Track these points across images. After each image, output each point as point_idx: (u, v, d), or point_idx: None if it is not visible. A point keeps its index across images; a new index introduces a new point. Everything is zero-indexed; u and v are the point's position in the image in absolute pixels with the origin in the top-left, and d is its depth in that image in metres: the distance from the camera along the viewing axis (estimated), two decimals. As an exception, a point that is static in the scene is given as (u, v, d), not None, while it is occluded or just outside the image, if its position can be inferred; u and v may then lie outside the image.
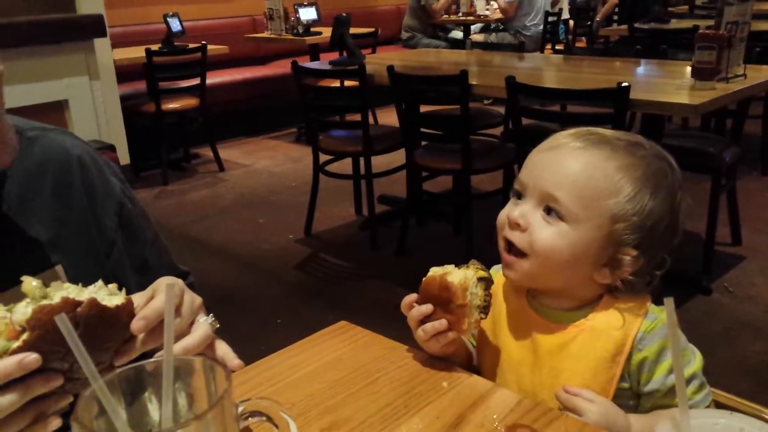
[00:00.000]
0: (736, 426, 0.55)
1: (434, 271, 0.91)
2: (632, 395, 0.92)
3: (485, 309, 0.90)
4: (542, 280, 0.93)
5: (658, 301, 0.92)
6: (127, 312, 0.66)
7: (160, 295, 0.71)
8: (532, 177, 0.91)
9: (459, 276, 0.88)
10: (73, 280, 0.83)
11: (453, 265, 0.92)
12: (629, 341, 0.90)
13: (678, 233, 0.92)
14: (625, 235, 0.88)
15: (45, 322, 0.59)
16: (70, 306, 0.60)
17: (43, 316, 0.59)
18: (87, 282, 0.67)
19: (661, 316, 0.90)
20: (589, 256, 0.89)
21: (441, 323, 0.89)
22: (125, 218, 0.97)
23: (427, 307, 0.90)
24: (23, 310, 0.60)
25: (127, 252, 0.97)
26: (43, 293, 0.63)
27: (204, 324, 0.75)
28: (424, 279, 0.92)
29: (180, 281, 0.77)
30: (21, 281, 0.63)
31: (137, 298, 0.70)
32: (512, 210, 0.92)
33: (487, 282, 0.90)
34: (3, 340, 0.60)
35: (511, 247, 0.92)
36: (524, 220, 0.90)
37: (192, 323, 0.76)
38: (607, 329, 0.91)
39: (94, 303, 0.62)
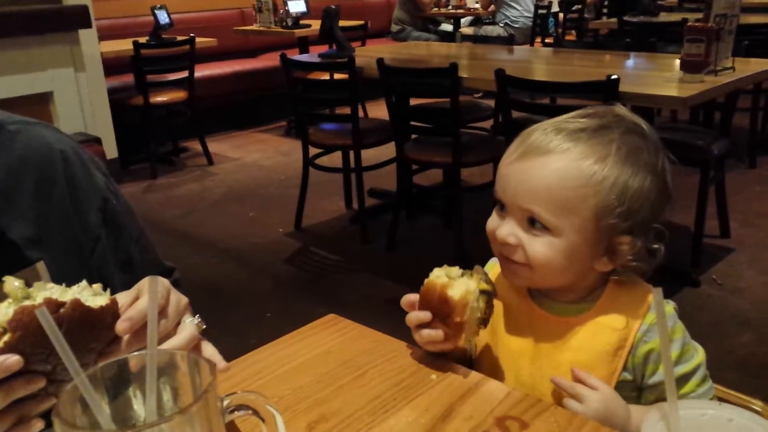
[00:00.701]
0: (724, 416, 0.55)
1: (436, 276, 0.89)
2: (634, 387, 0.92)
3: (485, 321, 0.89)
4: (545, 283, 0.93)
5: None
6: (111, 312, 0.65)
7: (146, 295, 0.69)
8: (507, 193, 0.90)
9: (460, 290, 0.86)
10: (56, 277, 0.82)
11: (458, 268, 0.89)
12: (632, 335, 0.89)
13: (669, 196, 0.90)
14: (614, 226, 0.87)
15: (27, 323, 0.58)
16: (52, 306, 0.59)
17: (25, 317, 0.58)
18: (70, 278, 0.66)
19: (666, 308, 0.90)
20: (584, 254, 0.89)
21: (437, 334, 0.88)
22: (109, 214, 0.96)
23: (426, 315, 0.89)
24: (5, 311, 0.59)
25: (112, 248, 0.95)
26: (26, 293, 0.62)
27: (190, 325, 0.74)
28: (426, 282, 0.89)
29: (164, 280, 0.75)
30: (2, 281, 0.62)
31: (122, 298, 0.69)
32: (499, 227, 0.90)
33: (489, 295, 0.88)
34: None
35: (509, 259, 0.91)
36: (513, 238, 0.89)
37: (178, 324, 0.75)
38: (610, 323, 0.91)
39: (77, 304, 0.61)
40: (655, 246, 0.89)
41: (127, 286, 0.71)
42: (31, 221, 0.87)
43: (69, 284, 0.65)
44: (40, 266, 0.86)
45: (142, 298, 0.69)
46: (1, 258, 0.84)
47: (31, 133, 0.90)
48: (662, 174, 0.89)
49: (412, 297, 0.93)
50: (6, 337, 0.58)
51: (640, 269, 0.90)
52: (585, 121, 0.89)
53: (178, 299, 0.75)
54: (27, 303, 0.60)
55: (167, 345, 0.70)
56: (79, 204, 0.92)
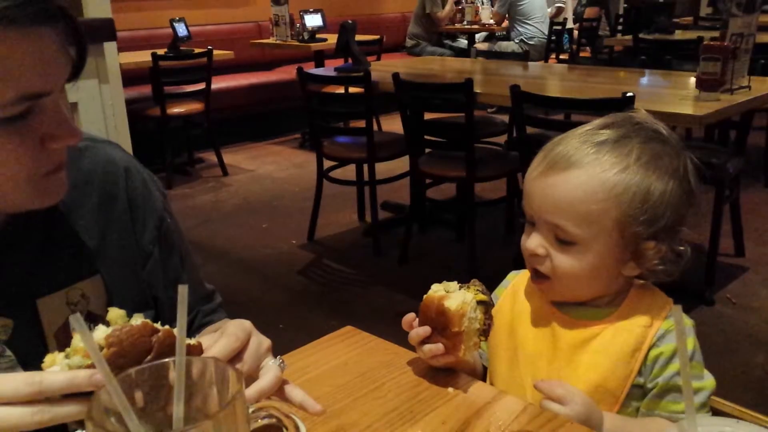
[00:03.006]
0: (742, 434, 0.55)
1: (435, 290, 0.91)
2: (642, 394, 0.93)
3: (485, 332, 0.90)
4: (575, 296, 0.95)
5: None
6: (197, 352, 0.67)
7: (222, 340, 0.71)
8: (533, 208, 0.93)
9: (457, 301, 0.87)
10: (111, 291, 0.85)
11: (456, 283, 0.91)
12: (649, 337, 0.91)
13: (694, 197, 0.91)
14: (639, 233, 0.88)
15: (122, 340, 0.61)
16: (148, 330, 0.62)
17: (122, 335, 0.61)
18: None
19: (685, 321, 0.91)
20: (611, 263, 0.91)
21: (438, 347, 0.90)
22: (164, 232, 0.98)
23: (425, 330, 0.91)
24: (104, 329, 0.62)
25: (162, 266, 0.97)
26: (126, 321, 0.65)
27: (273, 366, 0.74)
28: (424, 297, 0.91)
29: (247, 322, 0.76)
30: (107, 310, 0.65)
31: (206, 341, 0.70)
32: (529, 240, 0.94)
33: (486, 306, 0.90)
34: (80, 357, 0.61)
35: (537, 272, 0.94)
36: (542, 249, 0.92)
37: (258, 367, 0.75)
38: (630, 326, 0.92)
39: (170, 333, 0.63)
40: (681, 248, 0.91)
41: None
42: (93, 235, 0.90)
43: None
44: (97, 280, 0.89)
45: (218, 342, 0.70)
46: (69, 266, 0.86)
47: (98, 150, 0.93)
48: (685, 176, 0.91)
49: (410, 316, 0.94)
50: (102, 353, 0.60)
51: (667, 272, 0.91)
52: (606, 133, 0.91)
53: (258, 343, 0.75)
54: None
55: (254, 387, 0.70)
56: (137, 220, 0.94)
